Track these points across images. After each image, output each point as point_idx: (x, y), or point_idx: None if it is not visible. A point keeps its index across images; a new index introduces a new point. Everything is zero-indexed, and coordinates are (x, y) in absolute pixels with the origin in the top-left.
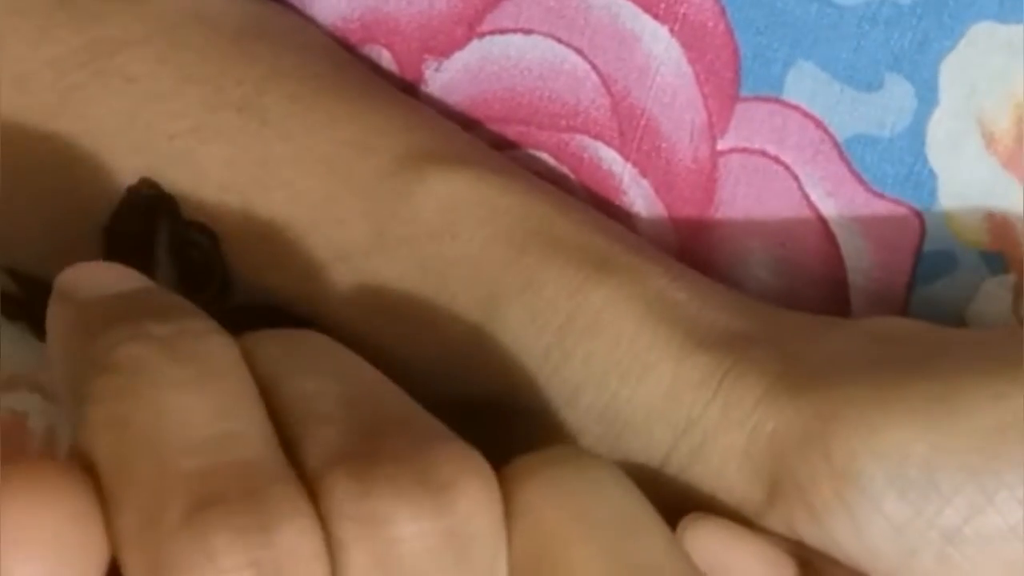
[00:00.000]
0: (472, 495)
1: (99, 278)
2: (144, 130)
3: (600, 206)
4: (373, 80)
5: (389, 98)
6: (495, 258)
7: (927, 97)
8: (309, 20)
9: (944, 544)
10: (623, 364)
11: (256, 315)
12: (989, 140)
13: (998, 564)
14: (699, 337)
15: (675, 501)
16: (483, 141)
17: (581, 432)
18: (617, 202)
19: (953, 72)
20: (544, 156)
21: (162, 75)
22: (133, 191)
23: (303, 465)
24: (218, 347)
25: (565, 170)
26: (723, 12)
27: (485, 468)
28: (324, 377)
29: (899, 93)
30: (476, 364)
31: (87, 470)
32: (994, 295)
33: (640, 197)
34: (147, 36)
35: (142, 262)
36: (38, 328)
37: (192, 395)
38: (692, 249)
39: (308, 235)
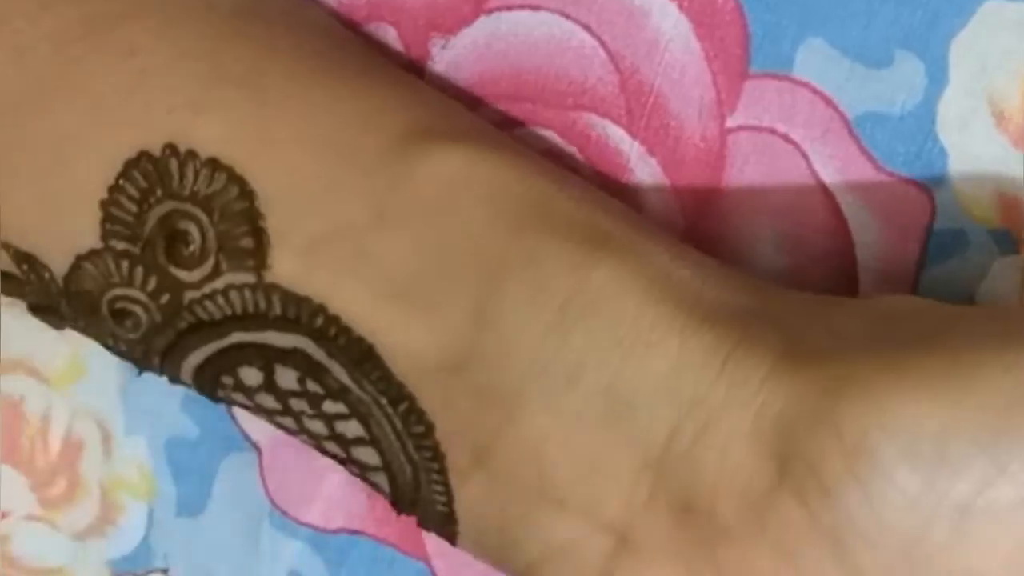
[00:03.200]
0: None
1: None
2: (142, 103)
3: (607, 185)
4: (373, 58)
5: (389, 76)
6: (495, 235)
7: (937, 75)
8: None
9: (957, 517)
10: (626, 342)
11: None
12: (999, 118)
13: (1011, 536)
14: (703, 314)
15: (682, 480)
16: (490, 119)
17: (581, 414)
18: (624, 180)
19: (963, 50)
20: (551, 134)
21: (161, 50)
22: (131, 164)
23: None
24: None
25: (572, 148)
26: None
27: None
28: None
29: (909, 71)
30: (472, 348)
31: None
32: (1004, 275)
33: (648, 176)
34: (145, 10)
35: (135, 237)
36: (33, 307)
37: None
38: (700, 228)
39: (307, 212)
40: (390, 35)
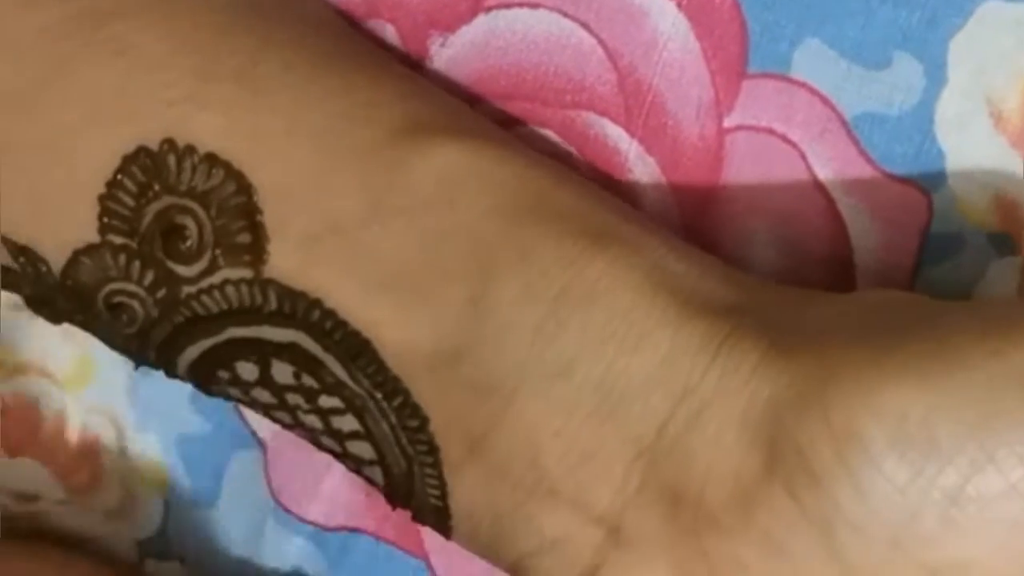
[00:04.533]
0: None
1: None
2: (137, 98)
3: (605, 183)
4: (371, 51)
5: (386, 69)
6: (491, 229)
7: (936, 75)
8: None
9: (946, 505)
10: (619, 333)
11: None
12: (997, 119)
13: (1001, 524)
14: (696, 306)
15: (672, 470)
16: (488, 117)
17: (575, 406)
18: (622, 179)
19: (962, 50)
20: (549, 133)
21: (154, 45)
22: (129, 160)
23: None
24: None
25: (571, 147)
26: None
27: None
28: None
29: (907, 71)
30: (468, 341)
31: None
32: (1001, 277)
33: (646, 175)
34: (139, 6)
35: (133, 232)
36: (30, 300)
37: None
38: (697, 227)
39: (303, 206)
40: (388, 32)
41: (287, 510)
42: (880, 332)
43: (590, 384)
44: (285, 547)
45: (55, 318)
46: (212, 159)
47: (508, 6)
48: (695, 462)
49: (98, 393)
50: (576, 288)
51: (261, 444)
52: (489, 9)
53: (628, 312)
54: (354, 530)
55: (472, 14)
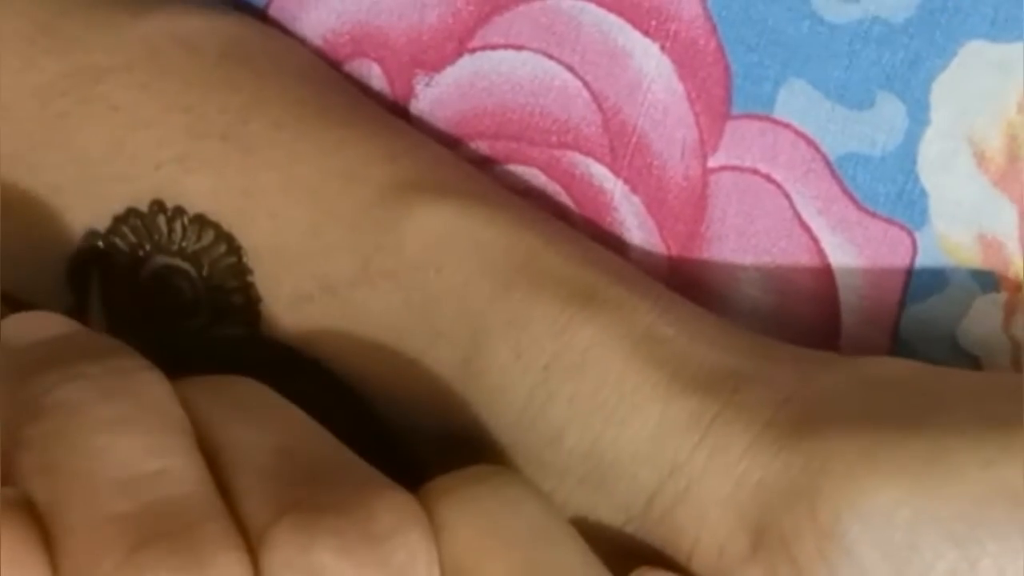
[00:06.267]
0: (411, 545)
1: (31, 326)
2: (129, 158)
3: (591, 223)
4: (360, 102)
5: (376, 123)
6: (480, 293)
7: (918, 116)
8: (295, 37)
9: None
10: (608, 405)
11: (239, 347)
12: (980, 159)
13: None
14: (687, 378)
15: (657, 545)
16: (474, 157)
17: (564, 472)
18: (608, 219)
19: (945, 91)
20: (535, 172)
21: (146, 102)
22: (120, 220)
23: (242, 516)
24: (149, 383)
25: (556, 187)
26: (714, 29)
27: (423, 516)
28: (258, 425)
29: (890, 112)
30: (460, 401)
31: (31, 513)
32: (985, 313)
33: (631, 214)
34: (130, 63)
35: (128, 289)
36: None
37: (124, 433)
38: (683, 267)
39: (293, 266)
40: (374, 72)
41: None
42: (877, 418)
43: (579, 453)
44: None
45: None
46: (201, 220)
47: (493, 47)
48: (682, 536)
49: None
50: (566, 356)
51: None
52: (474, 50)
53: (617, 384)
54: None
55: (457, 55)
